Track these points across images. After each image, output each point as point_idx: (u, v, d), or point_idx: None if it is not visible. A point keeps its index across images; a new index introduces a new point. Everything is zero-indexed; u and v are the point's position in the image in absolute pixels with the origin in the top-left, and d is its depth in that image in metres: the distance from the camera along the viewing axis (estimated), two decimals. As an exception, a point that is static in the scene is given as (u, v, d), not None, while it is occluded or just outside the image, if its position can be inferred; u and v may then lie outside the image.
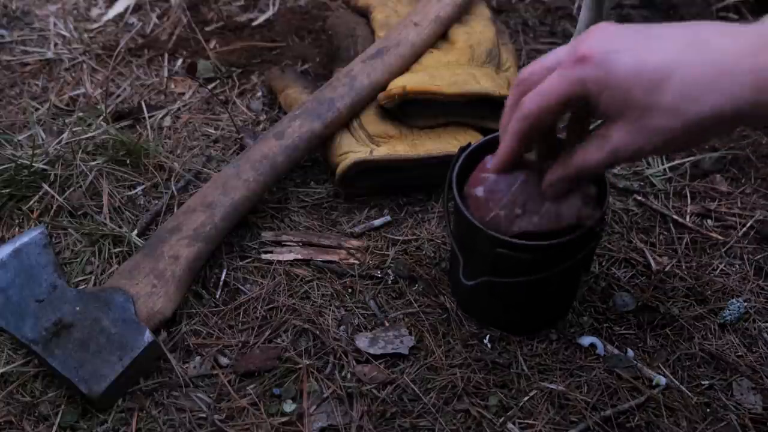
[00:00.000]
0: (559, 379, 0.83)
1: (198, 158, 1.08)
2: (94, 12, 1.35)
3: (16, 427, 0.79)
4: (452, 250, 0.82)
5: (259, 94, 1.18)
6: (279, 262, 0.94)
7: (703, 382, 0.83)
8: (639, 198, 1.02)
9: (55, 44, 1.27)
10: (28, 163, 1.00)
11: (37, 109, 1.15)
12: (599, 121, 0.65)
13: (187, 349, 0.86)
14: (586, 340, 0.86)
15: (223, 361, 0.85)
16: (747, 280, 0.93)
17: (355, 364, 0.85)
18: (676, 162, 1.06)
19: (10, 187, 1.00)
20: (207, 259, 0.91)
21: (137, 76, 1.21)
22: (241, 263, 0.95)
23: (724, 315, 0.88)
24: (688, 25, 0.60)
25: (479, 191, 0.75)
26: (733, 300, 0.90)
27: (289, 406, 0.81)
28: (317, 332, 0.87)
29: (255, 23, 1.31)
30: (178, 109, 1.16)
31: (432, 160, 0.97)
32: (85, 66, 1.23)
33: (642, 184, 1.04)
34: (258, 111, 1.15)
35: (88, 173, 1.02)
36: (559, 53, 0.65)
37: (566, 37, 1.24)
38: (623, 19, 1.30)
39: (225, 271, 0.93)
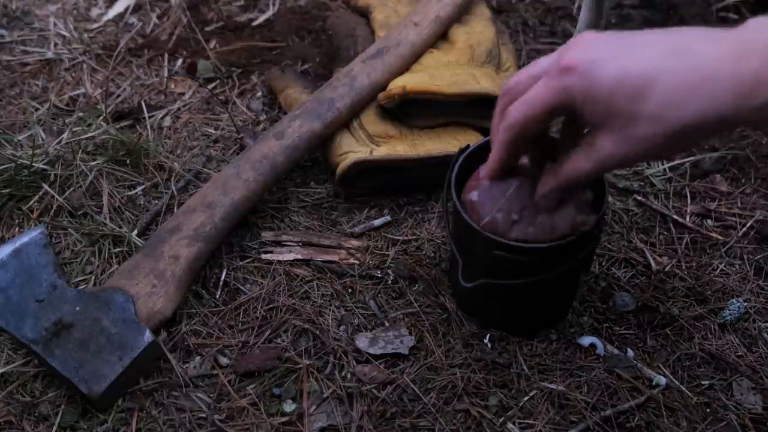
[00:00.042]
0: (559, 379, 0.83)
1: (198, 158, 1.08)
2: (94, 12, 1.35)
3: (16, 427, 0.79)
4: (451, 251, 0.82)
5: (259, 94, 1.18)
6: (279, 262, 0.94)
7: (703, 382, 0.83)
8: (639, 198, 1.02)
9: (55, 44, 1.27)
10: (28, 163, 1.00)
11: (37, 109, 1.15)
12: None
13: (187, 349, 0.86)
14: (586, 340, 0.86)
15: (223, 361, 0.85)
16: (747, 280, 0.93)
17: (355, 364, 0.85)
18: (676, 162, 1.06)
19: (10, 187, 1.00)
20: (207, 259, 0.91)
21: (137, 76, 1.21)
22: (241, 263, 0.95)
23: (724, 315, 0.88)
24: (670, 32, 0.60)
25: (473, 196, 0.76)
26: (733, 300, 0.90)
27: (289, 406, 0.81)
28: (317, 332, 0.87)
29: (255, 23, 1.31)
30: (178, 109, 1.16)
31: (432, 160, 0.97)
32: (85, 66, 1.23)
33: (642, 184, 1.04)
34: (258, 111, 1.15)
35: (88, 173, 1.02)
36: (544, 62, 0.66)
37: (566, 37, 1.24)
38: (623, 19, 1.30)
39: (225, 271, 0.93)
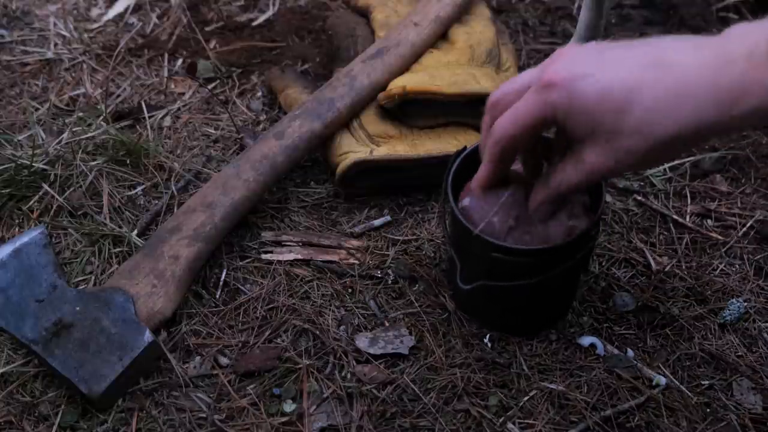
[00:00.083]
0: (559, 379, 0.83)
1: (198, 158, 1.08)
2: (94, 12, 1.35)
3: (16, 427, 0.79)
4: (449, 253, 0.82)
5: (259, 94, 1.18)
6: (279, 262, 0.94)
7: (703, 382, 0.83)
8: (639, 198, 1.02)
9: (55, 44, 1.27)
10: (28, 163, 1.00)
11: (37, 109, 1.15)
12: None
13: (187, 349, 0.86)
14: (586, 340, 0.86)
15: (223, 361, 0.85)
16: (747, 280, 0.93)
17: (355, 364, 0.85)
18: (676, 162, 1.06)
19: (10, 187, 1.00)
20: (207, 259, 0.91)
21: (137, 76, 1.21)
22: (241, 263, 0.95)
23: (724, 315, 0.88)
24: (650, 43, 0.61)
25: (467, 201, 0.77)
26: (733, 300, 0.90)
27: (289, 406, 0.81)
28: (317, 332, 0.87)
29: (255, 23, 1.31)
30: (178, 109, 1.16)
31: (432, 160, 0.97)
32: (85, 66, 1.23)
33: (642, 184, 1.04)
34: (258, 111, 1.15)
35: (88, 173, 1.02)
36: (528, 76, 0.66)
37: (566, 37, 1.24)
38: (623, 19, 1.30)
39: (225, 271, 0.93)
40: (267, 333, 0.87)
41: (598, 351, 0.85)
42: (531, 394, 0.81)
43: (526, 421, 0.80)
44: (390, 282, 0.92)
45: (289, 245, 0.96)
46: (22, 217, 0.98)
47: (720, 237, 0.97)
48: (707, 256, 0.95)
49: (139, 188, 1.03)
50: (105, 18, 1.33)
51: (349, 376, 0.84)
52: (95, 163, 1.03)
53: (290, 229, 0.99)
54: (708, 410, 0.81)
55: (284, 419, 0.80)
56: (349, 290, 0.92)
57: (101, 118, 1.09)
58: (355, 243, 0.97)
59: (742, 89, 0.55)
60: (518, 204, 0.75)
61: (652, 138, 0.58)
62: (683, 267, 0.94)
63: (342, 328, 0.88)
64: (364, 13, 1.18)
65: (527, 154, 0.75)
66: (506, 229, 0.75)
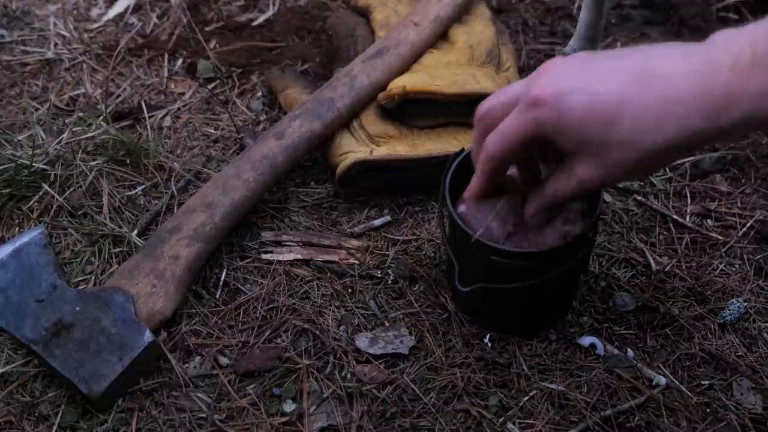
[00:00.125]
0: (559, 379, 0.83)
1: (198, 158, 1.08)
2: (94, 12, 1.35)
3: (16, 427, 0.79)
4: (447, 255, 0.83)
5: (259, 94, 1.18)
6: (279, 262, 0.94)
7: (703, 382, 0.83)
8: (639, 198, 1.02)
9: (55, 44, 1.27)
10: (28, 163, 1.00)
11: (37, 109, 1.15)
12: None
13: (187, 349, 0.86)
14: (586, 340, 0.86)
15: (223, 361, 0.85)
16: (747, 280, 0.93)
17: (355, 364, 0.85)
18: (676, 162, 1.05)
19: (10, 187, 1.00)
20: (207, 259, 0.91)
21: (137, 76, 1.21)
22: (241, 263, 0.95)
23: (724, 315, 0.88)
24: (637, 53, 0.61)
25: (462, 208, 0.77)
26: (733, 300, 0.90)
27: (289, 406, 0.81)
28: (317, 332, 0.87)
29: (255, 23, 1.31)
30: (178, 109, 1.16)
31: (432, 160, 0.97)
32: (85, 66, 1.23)
33: (642, 184, 1.04)
34: (258, 111, 1.15)
35: (88, 173, 1.02)
36: (515, 89, 0.67)
37: (566, 37, 1.24)
38: (623, 19, 1.30)
39: (225, 271, 0.93)
40: (267, 333, 0.87)
41: (598, 351, 0.85)
42: (531, 394, 0.81)
43: (526, 421, 0.80)
44: (390, 282, 0.92)
45: (289, 245, 0.96)
46: (22, 217, 0.98)
47: (720, 237, 0.97)
48: (707, 256, 0.95)
49: (139, 188, 1.03)
50: (105, 18, 1.33)
51: (349, 376, 0.84)
52: (95, 163, 1.03)
53: (290, 229, 0.99)
54: (708, 410, 0.81)
55: (284, 419, 0.80)
56: (349, 290, 0.92)
57: (101, 118, 1.09)
58: (355, 243, 0.97)
59: (727, 98, 0.54)
60: (514, 212, 0.75)
61: (641, 149, 0.59)
62: (683, 267, 0.94)
63: (342, 328, 0.88)
64: (364, 13, 1.18)
65: (523, 163, 0.75)
66: (505, 234, 0.76)
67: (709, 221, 1.00)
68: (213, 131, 1.12)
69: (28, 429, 0.79)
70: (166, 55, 1.24)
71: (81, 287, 0.91)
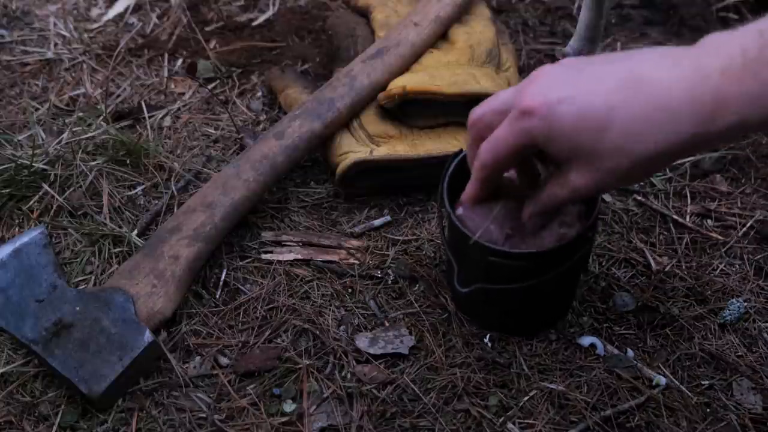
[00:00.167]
0: (559, 379, 0.83)
1: (198, 158, 1.08)
2: (94, 12, 1.35)
3: (16, 427, 0.79)
4: (447, 256, 0.83)
5: (259, 94, 1.18)
6: (279, 262, 0.94)
7: (703, 382, 0.83)
8: (639, 198, 1.02)
9: (55, 44, 1.27)
10: (28, 163, 1.00)
11: (37, 109, 1.15)
12: None
13: (187, 349, 0.86)
14: (586, 340, 0.86)
15: (223, 361, 0.85)
16: (747, 280, 0.93)
17: (355, 364, 0.85)
18: (676, 162, 1.05)
19: (10, 187, 1.00)
20: (207, 259, 0.91)
21: (137, 76, 1.21)
22: (241, 263, 0.95)
23: (724, 315, 0.88)
24: (625, 59, 0.61)
25: (459, 211, 0.78)
26: (733, 300, 0.90)
27: (289, 406, 0.81)
28: (317, 332, 0.87)
29: (255, 23, 1.31)
30: (178, 109, 1.16)
31: (432, 160, 0.97)
32: (85, 66, 1.23)
33: (642, 184, 1.04)
34: (258, 111, 1.15)
35: (88, 173, 1.02)
36: (506, 95, 0.67)
37: (566, 37, 1.24)
38: (623, 19, 1.30)
39: (225, 271, 0.93)
40: (267, 333, 0.87)
41: (598, 351, 0.85)
42: (531, 394, 0.81)
43: (526, 421, 0.80)
44: (390, 282, 0.92)
45: (289, 245, 0.96)
46: (22, 217, 0.98)
47: (720, 237, 0.97)
48: (707, 256, 0.95)
49: (139, 188, 1.03)
50: (105, 18, 1.33)
51: (349, 376, 0.84)
52: (95, 163, 1.03)
53: (290, 229, 0.99)
54: (708, 410, 0.81)
55: (284, 419, 0.80)
56: (349, 290, 0.92)
57: (101, 118, 1.09)
58: (355, 243, 0.97)
59: (718, 103, 0.54)
60: (511, 215, 0.76)
61: (633, 156, 0.59)
62: (683, 267, 0.94)
63: (342, 328, 0.88)
64: (364, 13, 1.18)
65: (521, 167, 0.75)
66: (503, 236, 0.76)
67: (709, 221, 1.00)
68: (213, 131, 1.12)
69: (28, 429, 0.79)
70: (166, 55, 1.24)
71: (81, 287, 0.91)
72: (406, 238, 0.97)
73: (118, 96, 1.17)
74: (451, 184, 0.79)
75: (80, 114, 1.12)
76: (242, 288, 0.92)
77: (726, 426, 0.79)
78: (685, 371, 0.84)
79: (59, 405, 0.81)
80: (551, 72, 0.63)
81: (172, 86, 1.20)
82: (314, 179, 1.05)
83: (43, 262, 0.85)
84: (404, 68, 1.04)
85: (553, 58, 1.21)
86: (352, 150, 0.99)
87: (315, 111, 0.99)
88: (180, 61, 1.24)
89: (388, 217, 1.00)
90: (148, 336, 0.81)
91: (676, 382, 0.83)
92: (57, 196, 0.99)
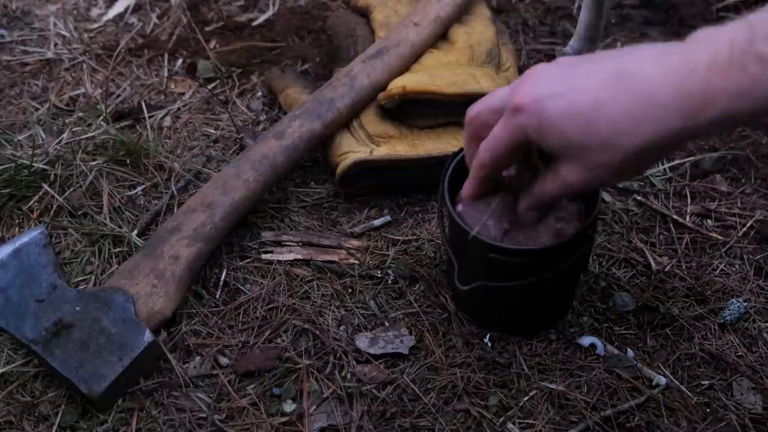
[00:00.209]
0: (559, 379, 0.83)
1: (198, 158, 1.08)
2: (94, 12, 1.35)
3: (16, 427, 0.79)
4: (447, 254, 0.83)
5: (259, 94, 1.18)
6: (279, 262, 0.94)
7: (703, 382, 0.83)
8: (639, 198, 1.02)
9: (55, 44, 1.27)
10: (28, 163, 1.00)
11: (37, 109, 1.15)
12: None
13: (187, 349, 0.86)
14: (586, 340, 0.86)
15: (223, 361, 0.85)
16: (747, 280, 0.93)
17: (355, 364, 0.85)
18: (676, 162, 1.06)
19: (10, 187, 1.00)
20: (207, 259, 0.91)
21: (137, 76, 1.21)
22: (241, 263, 0.95)
23: (724, 315, 0.88)
24: (617, 55, 0.61)
25: (459, 207, 0.78)
26: (733, 300, 0.90)
27: (289, 406, 0.81)
28: (317, 332, 0.87)
29: (255, 23, 1.31)
30: (178, 109, 1.16)
31: (432, 160, 0.97)
32: (85, 66, 1.23)
33: (642, 184, 1.04)
34: (258, 111, 1.15)
35: (88, 173, 1.02)
36: (501, 93, 0.69)
37: (566, 37, 1.24)
38: (623, 19, 1.30)
39: (225, 271, 0.93)
40: (267, 333, 0.87)
41: (598, 351, 0.85)
42: (531, 394, 0.81)
43: (526, 421, 0.80)
44: (390, 282, 0.92)
45: (289, 245, 0.96)
46: (22, 217, 0.98)
47: (720, 237, 0.97)
48: (707, 256, 0.95)
49: (139, 188, 1.03)
50: (105, 18, 1.33)
51: (349, 376, 0.84)
52: (95, 163, 1.03)
53: (290, 229, 0.99)
54: (708, 410, 0.81)
55: (284, 419, 0.80)
56: (349, 290, 0.92)
57: (101, 118, 1.09)
58: (355, 243, 0.97)
59: (705, 97, 0.55)
60: (509, 209, 0.76)
61: (621, 151, 0.59)
62: (683, 267, 0.94)
63: (342, 328, 0.88)
64: (364, 13, 1.18)
65: (521, 163, 0.76)
66: (502, 231, 0.76)
67: (709, 221, 1.00)
68: (213, 131, 1.12)
69: (28, 429, 0.79)
70: (166, 55, 1.24)
71: (81, 287, 0.91)
72: (406, 238, 0.97)
73: (118, 96, 1.17)
74: (451, 182, 0.80)
75: (80, 114, 1.12)
76: (242, 288, 0.92)
77: (726, 426, 0.79)
78: (685, 371, 0.84)
79: (59, 405, 0.81)
80: (544, 70, 0.64)
81: (172, 86, 1.20)
82: (314, 179, 1.05)
83: (43, 262, 0.85)
84: (404, 68, 1.04)
85: (552, 58, 1.21)
86: (352, 150, 0.99)
87: (315, 111, 0.99)
88: (180, 61, 1.24)
89: (388, 217, 1.00)
90: (148, 336, 0.81)
91: (676, 382, 0.83)
92: (57, 196, 0.99)
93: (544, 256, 0.75)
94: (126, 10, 1.34)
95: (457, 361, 0.84)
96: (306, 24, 1.30)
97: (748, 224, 0.99)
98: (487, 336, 0.86)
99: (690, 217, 1.00)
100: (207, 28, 1.30)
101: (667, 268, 0.93)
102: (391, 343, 0.86)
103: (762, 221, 0.99)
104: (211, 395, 0.82)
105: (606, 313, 0.89)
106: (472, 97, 0.98)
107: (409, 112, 1.01)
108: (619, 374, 0.83)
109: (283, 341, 0.87)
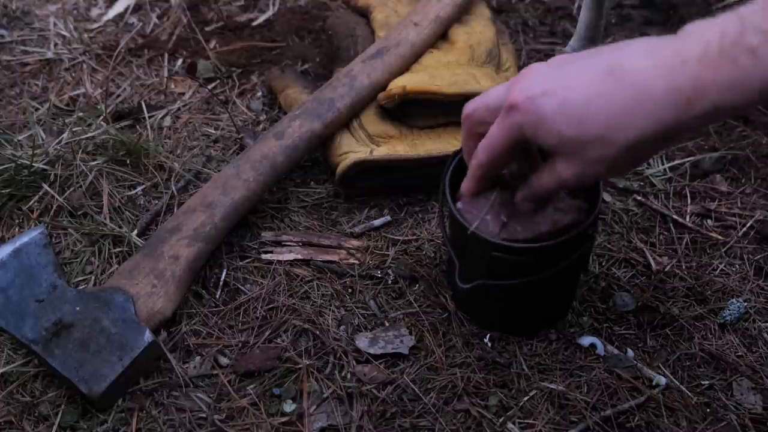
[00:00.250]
0: (559, 379, 0.83)
1: (198, 158, 1.08)
2: (94, 12, 1.35)
3: (16, 427, 0.79)
4: (448, 253, 0.83)
5: (259, 94, 1.18)
6: (279, 262, 0.94)
7: (703, 382, 0.83)
8: (639, 198, 1.02)
9: (55, 44, 1.27)
10: (28, 163, 1.00)
11: (37, 109, 1.15)
12: None
13: (187, 349, 0.86)
14: (586, 340, 0.86)
15: (223, 361, 0.85)
16: (747, 280, 0.93)
17: (355, 364, 0.85)
18: (676, 162, 1.06)
19: (10, 187, 1.00)
20: (207, 259, 0.91)
21: (137, 76, 1.21)
22: (241, 263, 0.95)
23: (724, 315, 0.88)
24: (607, 51, 0.62)
25: (459, 205, 0.78)
26: (733, 300, 0.90)
27: (289, 406, 0.81)
28: (317, 332, 0.87)
29: (255, 23, 1.31)
30: (178, 109, 1.16)
31: (432, 160, 0.97)
32: (85, 66, 1.23)
33: (642, 184, 1.04)
34: (258, 111, 1.15)
35: (88, 173, 1.02)
36: (499, 91, 0.69)
37: (566, 37, 1.24)
38: (623, 19, 1.30)
39: (225, 271, 0.93)
40: (267, 333, 0.87)
41: (598, 351, 0.85)
42: (531, 394, 0.81)
43: (526, 421, 0.80)
44: (390, 282, 0.92)
45: (289, 245, 0.96)
46: (22, 217, 0.98)
47: (720, 237, 0.97)
48: (707, 256, 0.95)
49: (139, 188, 1.03)
50: (105, 18, 1.33)
51: (349, 376, 0.84)
52: (95, 163, 1.03)
53: (290, 229, 0.99)
54: (708, 410, 0.81)
55: (284, 419, 0.80)
56: (349, 290, 0.92)
57: (101, 118, 1.09)
58: (355, 243, 0.97)
59: (696, 90, 0.55)
60: (507, 202, 0.77)
61: (615, 146, 0.60)
62: (683, 267, 0.94)
63: (342, 328, 0.88)
64: (364, 13, 1.18)
65: (522, 160, 0.76)
66: (500, 224, 0.76)
67: (709, 221, 1.00)
68: (213, 131, 1.12)
69: (28, 429, 0.79)
70: (166, 55, 1.24)
71: (81, 287, 0.91)
72: (406, 238, 0.97)
73: (118, 96, 1.17)
74: (452, 180, 0.80)
75: (80, 114, 1.12)
76: (242, 288, 0.92)
77: (726, 426, 0.79)
78: (685, 371, 0.84)
79: (59, 405, 0.81)
80: (538, 69, 0.65)
81: (172, 86, 1.20)
82: (314, 179, 1.05)
83: (43, 262, 0.85)
84: (404, 68, 1.04)
85: (553, 58, 1.21)
86: (352, 150, 0.99)
87: (315, 111, 0.99)
88: (180, 61, 1.24)
89: (388, 217, 1.00)
90: (148, 336, 0.81)
91: (676, 382, 0.83)
92: (57, 196, 0.99)
93: (546, 254, 0.75)
94: (126, 10, 1.34)
95: (457, 361, 0.84)
96: (306, 24, 1.30)
97: (748, 224, 0.99)
98: (487, 336, 0.86)
99: (690, 217, 1.00)
100: (207, 28, 1.30)
101: (667, 268, 0.93)
102: (391, 343, 0.86)
103: (762, 221, 0.99)
104: (211, 395, 0.82)
105: (606, 313, 0.89)
106: (472, 98, 0.98)
107: (409, 112, 1.01)
108: (619, 374, 0.83)
109: (283, 341, 0.87)
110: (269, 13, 1.33)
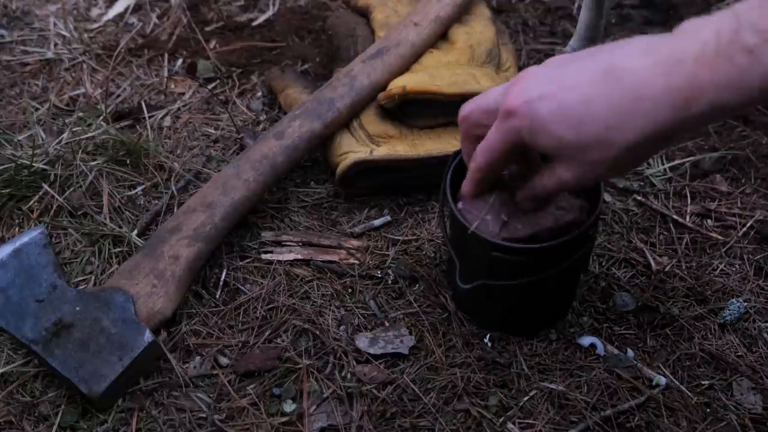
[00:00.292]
0: (559, 379, 0.83)
1: (198, 158, 1.08)
2: (94, 12, 1.35)
3: (16, 427, 0.79)
4: (449, 253, 0.83)
5: (259, 94, 1.18)
6: (279, 262, 0.94)
7: (703, 382, 0.83)
8: (639, 198, 1.02)
9: (55, 44, 1.27)
10: (28, 163, 1.00)
11: (37, 109, 1.15)
12: None
13: (187, 349, 0.86)
14: (586, 340, 0.86)
15: (223, 361, 0.85)
16: (747, 280, 0.93)
17: (355, 364, 0.85)
18: (676, 162, 1.06)
19: (10, 187, 1.00)
20: (207, 259, 0.91)
21: (137, 76, 1.21)
22: (241, 263, 0.95)
23: (724, 315, 0.88)
24: (603, 51, 0.61)
25: (459, 205, 0.78)
26: (733, 300, 0.90)
27: (289, 406, 0.81)
28: (317, 332, 0.87)
29: (255, 23, 1.31)
30: (178, 109, 1.16)
31: (432, 160, 0.97)
32: (85, 66, 1.23)
33: (642, 184, 1.04)
34: (258, 111, 1.15)
35: (88, 173, 1.02)
36: (495, 94, 0.69)
37: (566, 37, 1.24)
38: (623, 19, 1.30)
39: (225, 271, 0.93)
40: (267, 333, 0.87)
41: (598, 351, 0.85)
42: (531, 394, 0.81)
43: (526, 421, 0.80)
44: (390, 282, 0.92)
45: (289, 245, 0.96)
46: (22, 217, 0.98)
47: (720, 237, 0.97)
48: (707, 256, 0.95)
49: (139, 188, 1.03)
50: (105, 18, 1.33)
51: (349, 376, 0.84)
52: (95, 163, 1.03)
53: (290, 229, 0.99)
54: (708, 410, 0.81)
55: (284, 419, 0.80)
56: (349, 290, 0.92)
57: (101, 118, 1.09)
58: (355, 243, 0.97)
59: (693, 89, 0.55)
60: (507, 202, 0.77)
61: (614, 147, 0.60)
62: (683, 267, 0.94)
63: (342, 328, 0.88)
64: (364, 13, 1.18)
65: (521, 162, 0.76)
66: (500, 224, 0.76)
67: (709, 221, 1.00)
68: (213, 131, 1.12)
69: (28, 429, 0.79)
70: (166, 55, 1.24)
71: (81, 287, 0.91)
72: (406, 238, 0.97)
73: (118, 96, 1.17)
74: (453, 180, 0.80)
75: (80, 114, 1.12)
76: (242, 288, 0.92)
77: (726, 426, 0.79)
78: (685, 371, 0.84)
79: (59, 405, 0.81)
80: (535, 72, 0.65)
81: (172, 86, 1.20)
82: (314, 179, 1.05)
83: (43, 262, 0.85)
84: (404, 68, 1.04)
85: (553, 58, 1.21)
86: (352, 150, 0.99)
87: (315, 111, 0.99)
88: (180, 61, 1.24)
89: (388, 217, 1.00)
90: (148, 336, 0.81)
91: (676, 382, 0.83)
92: (57, 196, 0.99)
93: (546, 255, 0.75)
94: (126, 10, 1.34)
95: (457, 361, 0.84)
96: (306, 24, 1.30)
97: (748, 224, 0.99)
98: (487, 336, 0.86)
99: (690, 217, 1.00)
100: (207, 28, 1.30)
101: (667, 268, 0.93)
102: (391, 343, 0.86)
103: (762, 221, 0.99)
104: (211, 395, 0.82)
105: (606, 313, 0.89)
106: (472, 98, 0.99)
107: (409, 112, 1.01)
108: (619, 374, 0.83)
109: (283, 341, 0.87)
110: (269, 13, 1.33)
